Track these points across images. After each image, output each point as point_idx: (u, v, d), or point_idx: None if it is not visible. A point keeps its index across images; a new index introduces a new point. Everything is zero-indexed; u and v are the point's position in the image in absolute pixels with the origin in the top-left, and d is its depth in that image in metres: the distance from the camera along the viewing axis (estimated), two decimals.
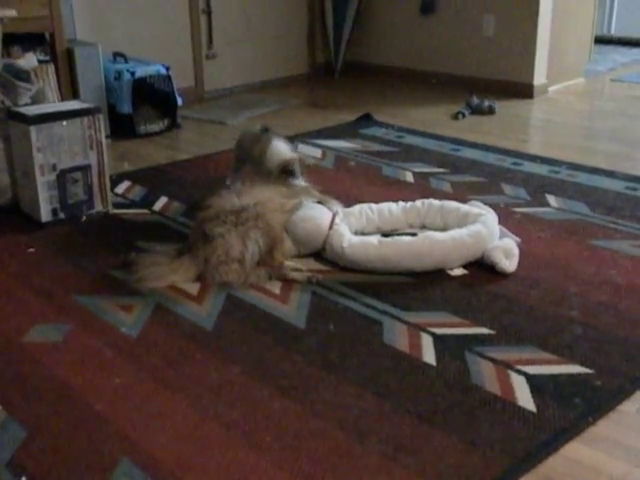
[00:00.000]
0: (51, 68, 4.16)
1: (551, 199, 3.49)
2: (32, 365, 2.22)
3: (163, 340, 2.35)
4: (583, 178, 3.79)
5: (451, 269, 2.76)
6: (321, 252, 2.88)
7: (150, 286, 2.67)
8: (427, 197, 3.16)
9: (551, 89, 5.73)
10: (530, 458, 1.80)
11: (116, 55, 4.75)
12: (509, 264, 2.73)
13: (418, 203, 3.10)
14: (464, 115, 5.03)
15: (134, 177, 3.90)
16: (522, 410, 1.97)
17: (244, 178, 3.43)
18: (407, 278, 2.72)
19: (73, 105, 3.44)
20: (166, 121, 4.79)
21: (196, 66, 5.65)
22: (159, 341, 2.34)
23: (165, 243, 2.99)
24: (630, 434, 1.90)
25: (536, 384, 2.07)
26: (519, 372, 2.13)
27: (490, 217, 2.92)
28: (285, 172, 3.19)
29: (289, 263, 2.78)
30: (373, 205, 3.10)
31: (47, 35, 4.28)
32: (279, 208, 2.88)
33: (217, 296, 2.62)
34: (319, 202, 3.04)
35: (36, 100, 3.59)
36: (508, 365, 2.17)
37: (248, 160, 3.43)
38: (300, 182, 3.22)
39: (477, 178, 3.81)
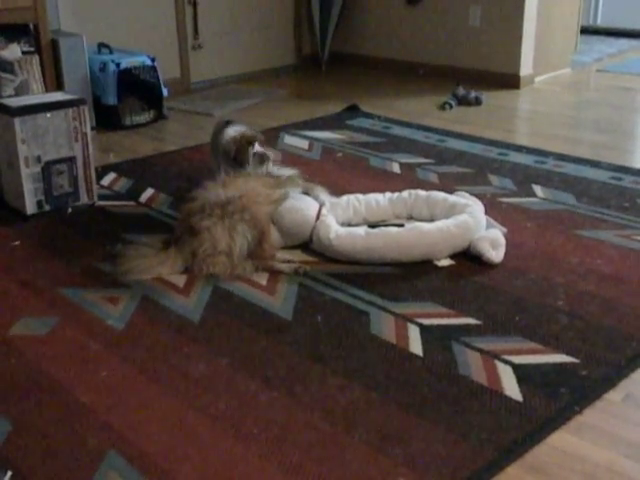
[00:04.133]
0: (35, 59, 4.13)
1: (537, 189, 3.50)
2: (18, 358, 2.21)
3: (150, 332, 2.34)
4: (569, 168, 3.79)
5: (438, 260, 2.77)
6: (308, 243, 2.88)
7: (136, 278, 2.66)
8: (414, 188, 3.16)
9: (537, 80, 5.74)
10: (517, 448, 1.80)
11: (101, 46, 4.71)
12: (496, 254, 2.74)
13: (405, 194, 3.10)
14: (451, 106, 5.04)
15: (120, 169, 3.88)
16: (509, 400, 1.97)
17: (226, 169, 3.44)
18: (394, 269, 2.72)
19: (57, 96, 3.42)
20: (152, 112, 4.77)
21: (182, 57, 5.62)
22: (146, 333, 2.33)
23: (151, 235, 2.98)
24: (616, 423, 1.91)
25: (522, 374, 2.08)
26: (506, 362, 2.14)
27: (477, 208, 2.93)
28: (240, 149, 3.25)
29: (279, 255, 2.77)
30: (360, 196, 3.10)
31: (31, 26, 4.24)
32: (265, 199, 2.87)
33: (204, 288, 2.61)
34: (305, 192, 3.03)
35: (20, 91, 3.57)
36: (495, 355, 2.17)
37: (218, 153, 3.44)
38: (287, 171, 3.23)
39: (464, 169, 3.81)
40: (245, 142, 3.28)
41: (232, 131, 3.38)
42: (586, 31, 7.27)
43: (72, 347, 2.27)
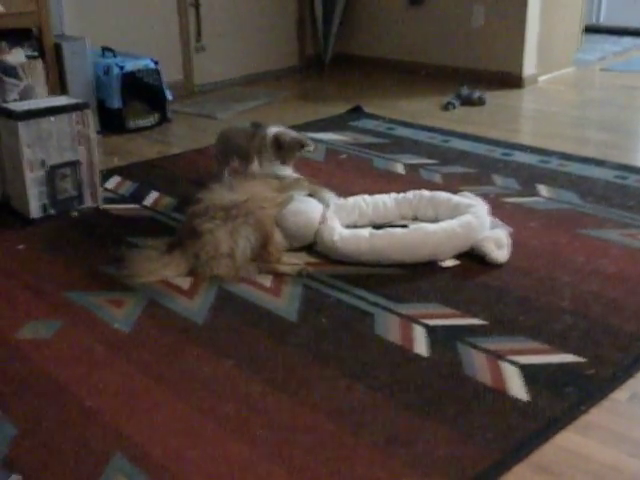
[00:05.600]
0: (39, 63, 4.13)
1: (542, 189, 3.49)
2: (23, 362, 2.21)
3: (155, 335, 2.34)
4: (573, 167, 3.79)
5: (442, 260, 2.76)
6: (313, 245, 2.88)
7: (141, 281, 2.66)
8: (418, 188, 3.16)
9: (541, 79, 5.73)
10: (523, 448, 1.80)
11: (105, 50, 4.72)
12: (500, 254, 2.73)
13: (409, 195, 3.10)
14: (454, 106, 5.03)
15: (124, 172, 3.89)
16: (514, 400, 1.97)
17: (234, 172, 3.44)
18: (398, 270, 2.71)
19: (61, 100, 3.42)
20: (156, 115, 4.78)
21: (185, 60, 5.62)
22: (151, 336, 2.34)
23: (156, 238, 2.97)
24: (622, 422, 1.91)
25: (528, 374, 2.08)
26: (511, 362, 2.14)
27: (481, 208, 2.92)
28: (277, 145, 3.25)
29: (285, 259, 2.77)
30: (367, 197, 3.09)
31: (35, 30, 4.25)
32: (270, 203, 2.86)
33: (208, 290, 2.61)
34: (310, 195, 3.03)
35: (24, 96, 3.57)
36: (500, 355, 2.17)
37: (241, 157, 3.43)
38: (291, 173, 3.23)
39: (467, 169, 3.81)
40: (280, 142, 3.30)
41: (273, 130, 3.38)
42: (589, 30, 7.26)
43: (77, 350, 2.27)
